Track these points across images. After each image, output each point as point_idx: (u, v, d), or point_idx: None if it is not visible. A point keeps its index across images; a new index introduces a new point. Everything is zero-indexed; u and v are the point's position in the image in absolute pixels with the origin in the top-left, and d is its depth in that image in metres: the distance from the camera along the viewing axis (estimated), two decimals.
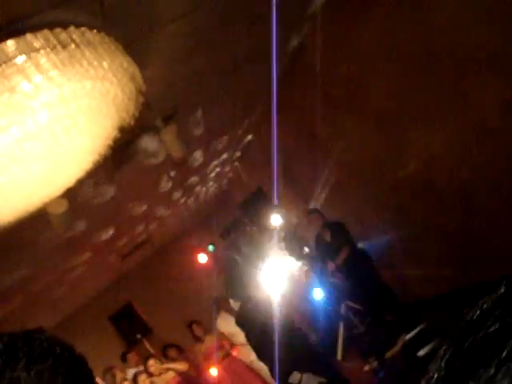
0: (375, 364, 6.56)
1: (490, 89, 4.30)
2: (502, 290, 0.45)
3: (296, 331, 7.94)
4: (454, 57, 4.41)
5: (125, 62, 2.41)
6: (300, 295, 9.20)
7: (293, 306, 8.93)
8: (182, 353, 8.66)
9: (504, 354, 0.39)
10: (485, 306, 0.45)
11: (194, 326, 8.56)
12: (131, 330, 11.85)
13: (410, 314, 6.57)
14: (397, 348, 6.32)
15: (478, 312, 0.45)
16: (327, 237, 7.36)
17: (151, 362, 7.73)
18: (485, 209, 5.01)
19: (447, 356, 0.45)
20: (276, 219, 8.68)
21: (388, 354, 6.41)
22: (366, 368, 6.69)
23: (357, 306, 7.54)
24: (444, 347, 0.47)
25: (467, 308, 0.47)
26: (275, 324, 6.95)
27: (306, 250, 8.03)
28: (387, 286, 7.04)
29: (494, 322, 0.42)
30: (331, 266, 7.30)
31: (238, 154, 10.60)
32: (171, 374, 7.79)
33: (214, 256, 11.65)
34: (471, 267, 5.47)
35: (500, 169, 4.60)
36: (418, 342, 5.79)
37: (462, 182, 5.15)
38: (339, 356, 7.18)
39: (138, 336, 11.62)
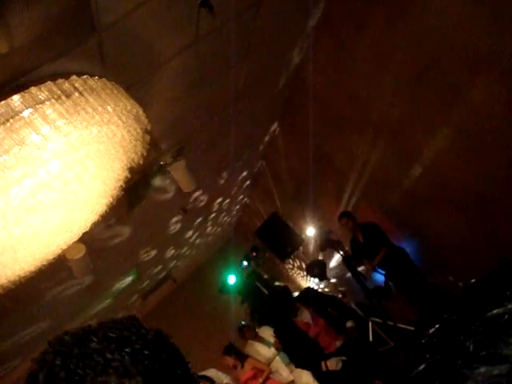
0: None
1: (491, 90, 4.32)
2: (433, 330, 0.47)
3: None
4: (451, 61, 4.45)
5: (128, 105, 2.45)
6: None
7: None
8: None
9: None
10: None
11: (225, 356, 8.43)
12: None
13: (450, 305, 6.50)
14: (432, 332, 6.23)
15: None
16: (360, 238, 7.33)
17: None
18: (500, 211, 5.00)
19: None
20: (310, 230, 8.69)
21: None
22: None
23: (381, 321, 7.49)
24: None
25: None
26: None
27: (342, 254, 7.95)
28: (431, 281, 6.93)
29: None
30: (368, 266, 7.26)
31: (249, 182, 10.64)
32: None
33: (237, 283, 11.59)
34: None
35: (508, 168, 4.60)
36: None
37: (473, 186, 5.15)
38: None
39: None
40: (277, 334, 7.40)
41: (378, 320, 7.54)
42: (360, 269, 7.73)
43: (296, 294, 9.80)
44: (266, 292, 11.13)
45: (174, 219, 6.67)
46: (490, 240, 5.40)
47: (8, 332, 4.63)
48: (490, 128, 4.56)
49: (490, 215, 5.20)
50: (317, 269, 8.39)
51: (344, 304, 8.19)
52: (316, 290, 8.93)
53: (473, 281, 0.54)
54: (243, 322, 9.82)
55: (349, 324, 7.35)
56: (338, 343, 6.96)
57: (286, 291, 9.60)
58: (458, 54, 4.34)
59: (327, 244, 7.89)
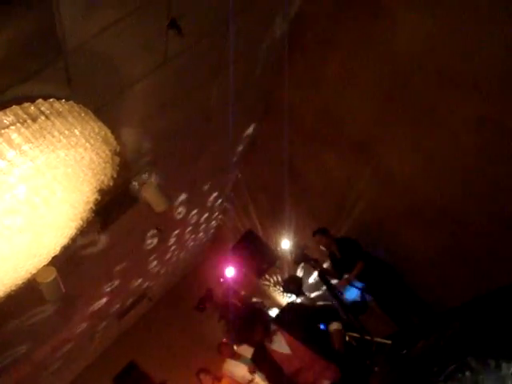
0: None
1: (462, 106, 4.40)
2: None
3: None
4: (421, 80, 4.52)
5: (96, 127, 2.44)
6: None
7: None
8: None
9: None
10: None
11: (202, 376, 8.36)
12: None
13: (435, 317, 6.51)
14: (418, 350, 6.23)
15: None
16: (337, 253, 7.35)
17: None
18: (472, 224, 5.07)
19: None
20: (285, 243, 8.65)
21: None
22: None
23: (358, 335, 7.49)
24: None
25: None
26: None
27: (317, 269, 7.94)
28: (411, 289, 6.94)
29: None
30: (345, 280, 7.25)
31: (222, 200, 10.63)
32: None
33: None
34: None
35: (480, 182, 4.68)
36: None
37: (443, 200, 5.22)
38: None
39: None
40: (253, 359, 6.82)
41: (354, 335, 7.54)
42: (335, 282, 7.74)
43: (274, 311, 9.74)
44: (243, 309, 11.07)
45: (149, 235, 6.62)
46: (460, 255, 5.48)
47: None
48: (459, 146, 4.65)
49: (461, 233, 5.29)
50: (292, 285, 8.36)
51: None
52: (302, 305, 8.74)
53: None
54: (223, 340, 9.76)
55: (334, 326, 7.22)
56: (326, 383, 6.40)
57: (261, 309, 9.54)
58: (428, 74, 4.42)
59: (302, 259, 7.90)
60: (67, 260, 4.13)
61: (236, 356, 8.80)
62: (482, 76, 4.05)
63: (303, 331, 5.58)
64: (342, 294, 7.74)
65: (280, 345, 5.59)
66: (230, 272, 10.55)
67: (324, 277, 7.75)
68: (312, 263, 7.73)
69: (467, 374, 1.67)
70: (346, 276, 7.16)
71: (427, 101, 4.62)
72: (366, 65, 4.89)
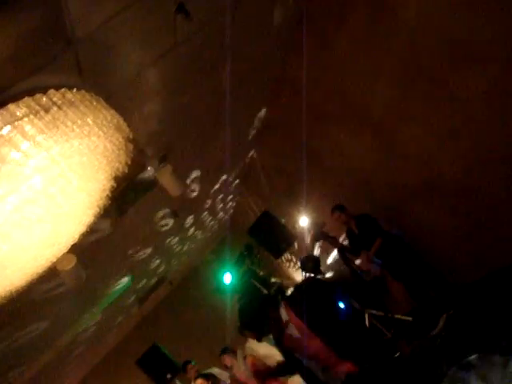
0: (418, 344, 6.42)
1: (475, 78, 4.35)
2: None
3: None
4: (434, 51, 4.47)
5: (108, 115, 2.45)
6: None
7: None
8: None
9: None
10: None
11: (225, 355, 8.44)
12: (160, 371, 11.78)
13: (452, 291, 6.50)
14: (439, 327, 6.22)
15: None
16: (355, 230, 7.34)
17: (199, 380, 7.46)
18: (488, 197, 5.04)
19: None
20: (303, 221, 8.65)
21: (431, 334, 6.29)
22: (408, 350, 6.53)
23: (379, 313, 7.51)
24: None
25: None
26: None
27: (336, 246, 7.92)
28: (428, 265, 6.92)
29: None
30: (364, 257, 7.25)
31: (238, 181, 10.64)
32: None
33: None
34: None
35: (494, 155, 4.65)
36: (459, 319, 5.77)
37: (458, 175, 5.19)
38: None
39: (169, 376, 11.56)
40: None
41: (374, 312, 7.57)
42: (356, 260, 7.75)
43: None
44: (264, 290, 11.14)
45: (163, 215, 6.63)
46: (476, 230, 5.45)
47: (7, 341, 4.63)
48: (473, 119, 4.60)
49: (477, 207, 5.26)
50: (310, 263, 8.39)
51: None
52: (318, 280, 8.53)
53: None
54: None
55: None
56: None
57: (281, 289, 9.60)
58: (440, 47, 4.37)
59: (320, 236, 7.91)
60: (86, 247, 4.18)
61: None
62: (493, 48, 4.00)
63: (318, 317, 5.24)
64: (361, 270, 7.75)
65: (293, 329, 5.33)
66: (227, 278, 10.67)
67: (343, 254, 7.77)
68: (330, 240, 7.75)
69: (472, 372, 1.68)
70: (365, 253, 7.15)
71: (440, 74, 4.57)
72: (376, 41, 4.85)
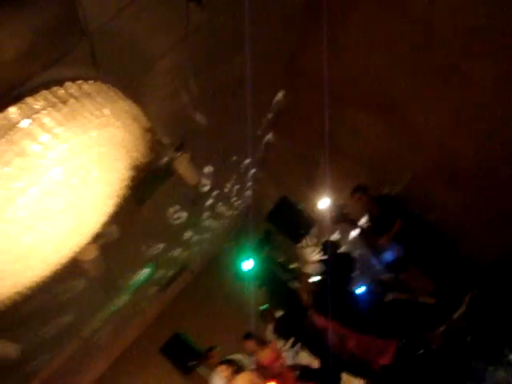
0: (443, 328, 6.39)
1: (481, 65, 4.32)
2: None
3: None
4: (442, 38, 4.43)
5: (125, 105, 2.47)
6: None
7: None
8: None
9: None
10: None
11: (248, 341, 8.46)
12: (184, 358, 11.89)
13: (476, 271, 6.44)
14: (463, 307, 6.18)
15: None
16: (376, 211, 7.24)
17: (221, 367, 7.48)
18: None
19: None
20: (323, 203, 8.63)
21: (455, 315, 6.25)
22: (436, 334, 6.50)
23: (400, 295, 7.49)
24: None
25: None
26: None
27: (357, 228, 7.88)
28: (449, 245, 6.83)
29: None
30: (385, 239, 7.19)
31: (255, 168, 10.63)
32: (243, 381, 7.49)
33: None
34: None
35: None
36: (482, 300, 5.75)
37: (471, 153, 5.16)
38: None
39: (193, 362, 11.65)
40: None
41: (395, 295, 7.55)
42: (376, 241, 7.68)
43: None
44: (284, 275, 11.18)
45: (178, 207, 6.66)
46: (493, 207, 5.41)
47: (32, 331, 4.71)
48: (484, 97, 4.57)
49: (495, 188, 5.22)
50: (330, 249, 8.39)
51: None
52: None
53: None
54: (263, 307, 9.88)
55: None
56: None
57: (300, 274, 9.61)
58: (450, 32, 4.33)
59: (341, 218, 7.87)
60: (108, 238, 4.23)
61: None
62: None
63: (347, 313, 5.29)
64: (382, 252, 7.71)
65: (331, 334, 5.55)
66: (247, 265, 10.66)
67: (364, 236, 7.73)
68: (351, 222, 7.71)
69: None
70: (386, 234, 7.08)
71: (451, 56, 4.53)
72: (388, 23, 4.80)
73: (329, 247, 8.49)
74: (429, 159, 5.87)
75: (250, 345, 8.22)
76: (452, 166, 5.61)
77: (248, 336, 8.36)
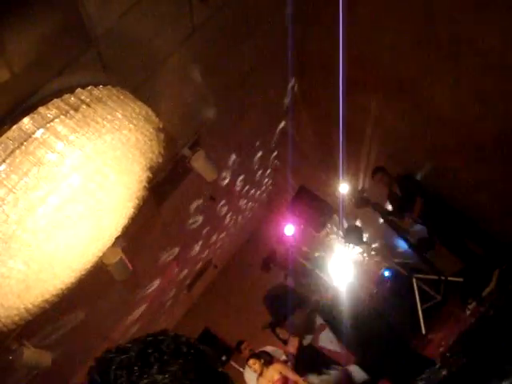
0: (474, 305, 6.33)
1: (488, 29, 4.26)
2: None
3: (371, 316, 7.79)
4: (457, 10, 4.37)
5: (136, 107, 2.48)
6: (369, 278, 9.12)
7: (364, 290, 8.91)
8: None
9: None
10: None
11: (278, 330, 8.46)
12: (216, 353, 11.96)
13: (502, 247, 6.36)
14: (493, 283, 6.11)
15: None
16: (397, 191, 7.16)
17: (251, 361, 7.54)
18: None
19: None
20: (344, 187, 8.60)
21: (485, 292, 6.19)
22: (467, 313, 6.44)
23: (428, 276, 7.44)
24: None
25: None
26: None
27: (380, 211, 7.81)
28: (473, 223, 6.75)
29: None
30: (408, 219, 7.14)
31: (274, 155, 10.60)
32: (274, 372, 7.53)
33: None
34: None
35: None
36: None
37: (492, 129, 5.11)
38: (423, 330, 7.07)
39: (224, 358, 11.73)
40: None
41: (421, 276, 7.50)
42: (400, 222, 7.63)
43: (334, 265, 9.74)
44: (308, 266, 11.16)
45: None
46: None
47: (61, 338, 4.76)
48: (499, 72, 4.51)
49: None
50: (353, 234, 8.34)
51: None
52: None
53: None
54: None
55: None
56: None
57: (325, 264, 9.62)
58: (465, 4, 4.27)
59: (363, 202, 7.81)
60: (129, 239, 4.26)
61: None
62: None
63: None
64: (407, 233, 7.65)
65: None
66: (289, 230, 10.54)
67: (387, 218, 7.68)
68: (373, 206, 7.64)
69: None
70: (410, 214, 7.02)
71: (464, 33, 4.46)
72: (396, 4, 4.75)
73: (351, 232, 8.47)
74: (448, 138, 5.81)
75: (282, 333, 8.25)
76: (474, 140, 5.54)
77: (277, 324, 8.38)
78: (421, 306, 7.17)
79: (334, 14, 5.17)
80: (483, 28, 4.28)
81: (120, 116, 2.38)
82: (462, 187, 6.40)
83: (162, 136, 2.88)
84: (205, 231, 7.91)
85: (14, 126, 2.06)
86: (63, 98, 2.19)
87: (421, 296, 7.28)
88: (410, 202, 6.90)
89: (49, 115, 2.11)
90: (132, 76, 2.80)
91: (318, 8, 5.33)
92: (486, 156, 5.57)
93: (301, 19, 5.51)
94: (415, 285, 7.36)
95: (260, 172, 9.96)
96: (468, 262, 6.85)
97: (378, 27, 5.15)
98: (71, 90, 2.21)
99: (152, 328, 9.66)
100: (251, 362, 7.25)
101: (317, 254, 11.61)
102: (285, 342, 8.19)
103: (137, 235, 4.46)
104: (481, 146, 5.50)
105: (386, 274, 8.56)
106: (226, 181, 6.90)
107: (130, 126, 2.47)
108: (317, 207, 9.76)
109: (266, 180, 11.82)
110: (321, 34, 5.74)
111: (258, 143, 7.78)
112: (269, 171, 11.29)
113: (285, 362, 7.64)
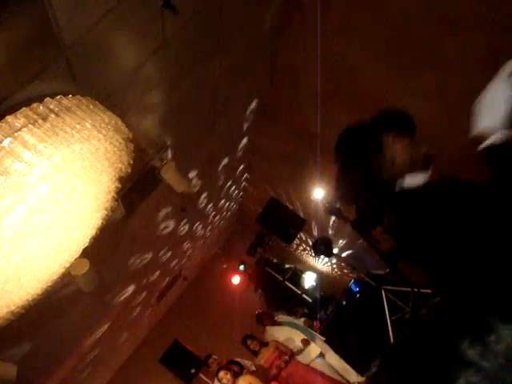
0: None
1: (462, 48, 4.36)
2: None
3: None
4: (425, 23, 4.46)
5: (106, 117, 2.47)
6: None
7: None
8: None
9: None
10: None
11: (249, 341, 8.42)
12: (185, 367, 11.89)
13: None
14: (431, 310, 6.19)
15: None
16: (364, 202, 7.22)
17: (222, 372, 7.47)
18: None
19: None
20: (318, 193, 8.66)
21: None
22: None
23: (397, 288, 7.53)
24: None
25: None
26: None
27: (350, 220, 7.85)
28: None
29: None
30: (378, 229, 7.19)
31: (244, 173, 10.64)
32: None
33: (245, 274, 11.67)
34: None
35: None
36: None
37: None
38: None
39: (193, 370, 11.68)
40: None
41: (390, 288, 7.59)
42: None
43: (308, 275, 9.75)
44: (279, 277, 11.20)
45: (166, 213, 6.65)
46: None
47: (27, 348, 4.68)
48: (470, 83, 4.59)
49: None
50: (323, 246, 8.39)
51: None
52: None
53: None
54: (259, 311, 9.90)
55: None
56: None
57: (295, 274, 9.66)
58: (433, 16, 4.36)
59: (334, 211, 7.85)
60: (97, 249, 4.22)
61: (276, 323, 8.95)
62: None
63: None
64: (378, 242, 7.72)
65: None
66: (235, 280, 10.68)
67: (358, 228, 7.72)
68: (343, 216, 7.69)
69: (492, 337, 1.54)
70: (379, 226, 7.07)
71: (433, 46, 4.56)
72: (367, 16, 4.82)
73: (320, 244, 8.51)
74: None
75: (252, 345, 8.21)
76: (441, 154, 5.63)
77: (249, 337, 8.37)
78: (389, 317, 7.25)
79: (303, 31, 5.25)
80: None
81: (89, 126, 2.37)
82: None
83: (131, 146, 2.88)
84: (175, 241, 7.88)
85: None
86: (32, 106, 2.17)
87: (389, 307, 7.36)
88: (378, 212, 6.95)
89: (17, 124, 2.09)
90: (102, 86, 2.79)
91: (291, 25, 5.39)
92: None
93: (273, 33, 5.58)
94: (384, 296, 7.44)
95: (231, 184, 9.98)
96: (437, 275, 6.92)
97: (350, 41, 5.23)
98: (40, 98, 2.20)
99: (121, 345, 9.56)
100: (222, 373, 7.22)
101: (287, 266, 11.67)
102: (255, 353, 8.17)
103: (105, 245, 4.43)
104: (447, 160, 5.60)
105: (355, 285, 8.64)
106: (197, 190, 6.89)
107: (99, 135, 2.46)
108: (287, 219, 9.82)
109: (237, 193, 11.85)
110: (293, 48, 5.80)
111: (229, 154, 7.80)
112: (239, 185, 11.33)
113: (254, 373, 7.62)
